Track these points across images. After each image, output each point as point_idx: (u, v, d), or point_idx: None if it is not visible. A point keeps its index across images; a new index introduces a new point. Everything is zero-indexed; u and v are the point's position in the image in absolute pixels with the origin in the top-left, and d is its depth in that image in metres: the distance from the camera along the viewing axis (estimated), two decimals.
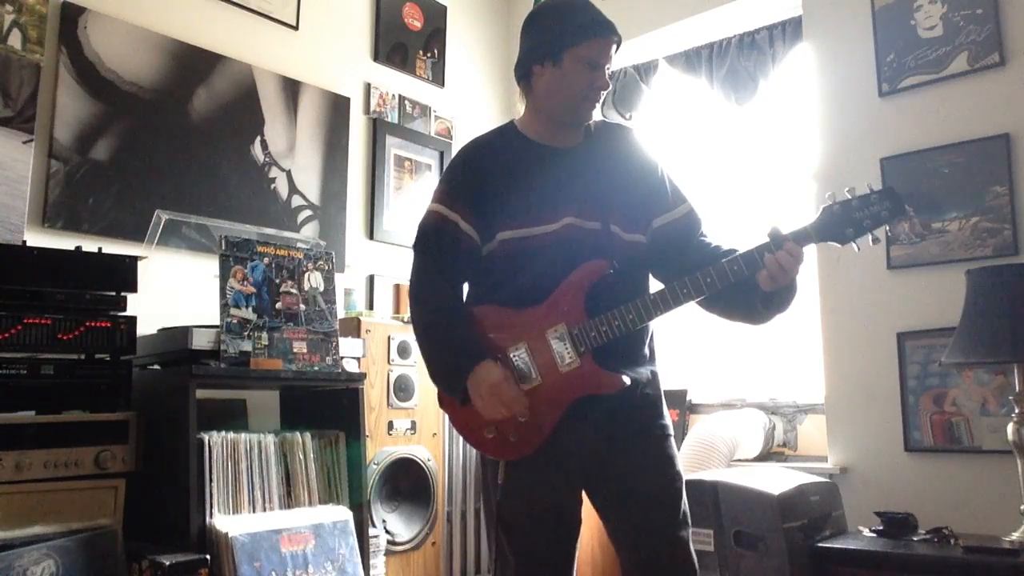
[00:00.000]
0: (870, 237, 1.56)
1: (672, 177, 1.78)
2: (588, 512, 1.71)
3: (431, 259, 1.71)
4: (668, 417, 1.71)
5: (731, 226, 3.45)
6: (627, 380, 1.58)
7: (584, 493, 1.70)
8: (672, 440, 1.69)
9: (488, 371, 1.57)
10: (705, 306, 1.70)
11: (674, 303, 1.58)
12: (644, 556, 1.61)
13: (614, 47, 1.68)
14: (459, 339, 1.64)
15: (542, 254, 1.64)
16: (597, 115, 1.82)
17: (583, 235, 1.64)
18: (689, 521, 1.65)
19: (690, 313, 1.79)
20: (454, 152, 3.89)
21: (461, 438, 3.17)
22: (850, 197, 1.56)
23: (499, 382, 1.55)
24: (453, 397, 1.64)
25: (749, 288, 1.57)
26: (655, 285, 1.71)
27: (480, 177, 1.71)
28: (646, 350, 1.72)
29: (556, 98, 1.69)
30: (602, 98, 1.72)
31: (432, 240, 1.71)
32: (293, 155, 3.35)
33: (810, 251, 1.68)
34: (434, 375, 1.70)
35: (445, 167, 1.83)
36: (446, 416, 3.12)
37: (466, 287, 1.79)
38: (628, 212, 1.69)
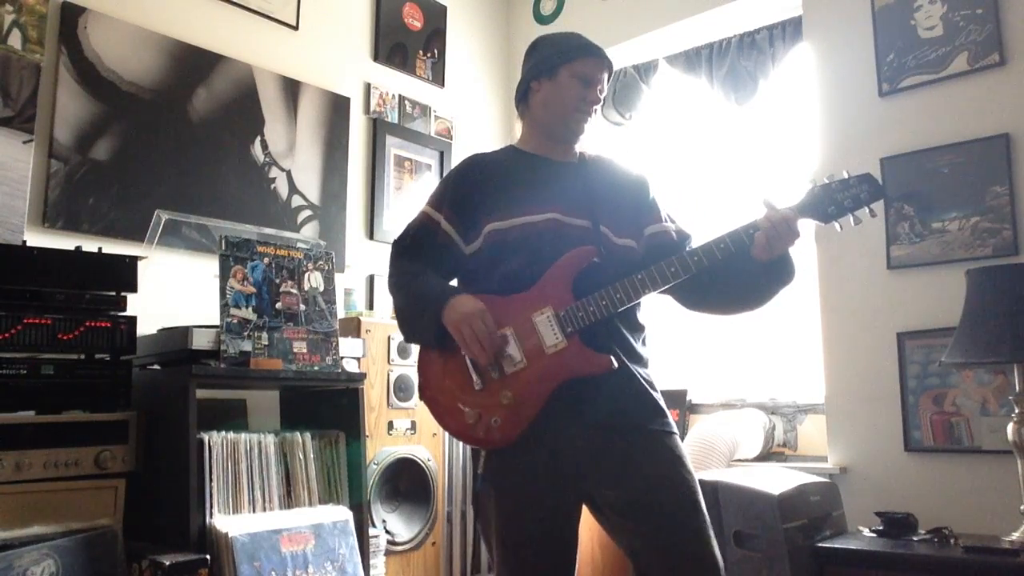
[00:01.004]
0: (851, 218, 1.61)
1: (662, 200, 1.83)
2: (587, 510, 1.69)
3: (407, 249, 1.80)
4: (670, 416, 1.69)
5: (731, 226, 3.44)
6: (615, 362, 1.58)
7: (584, 502, 1.66)
8: (677, 438, 1.67)
9: (463, 302, 1.61)
10: (703, 303, 1.73)
11: (662, 281, 1.60)
12: (670, 559, 1.54)
13: (606, 72, 1.79)
14: (434, 282, 1.70)
15: (528, 244, 1.66)
16: (591, 145, 1.86)
17: (570, 230, 1.67)
18: (708, 519, 1.59)
19: (690, 313, 1.80)
20: (454, 152, 3.94)
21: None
22: (829, 181, 1.62)
23: (472, 311, 1.58)
24: (431, 338, 1.66)
25: (747, 267, 1.62)
26: None
27: (473, 182, 1.77)
28: (641, 350, 1.71)
29: (551, 109, 1.78)
30: (595, 113, 1.79)
31: (410, 236, 1.80)
32: (293, 155, 3.35)
33: (809, 250, 1.68)
34: (409, 320, 1.72)
35: (447, 170, 1.87)
36: None
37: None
38: (618, 217, 1.72)
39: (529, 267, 1.65)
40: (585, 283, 1.61)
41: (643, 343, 1.74)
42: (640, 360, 1.70)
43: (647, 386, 1.67)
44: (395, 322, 3.13)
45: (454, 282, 1.81)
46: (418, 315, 1.68)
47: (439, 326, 1.62)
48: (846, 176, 1.61)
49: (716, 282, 1.66)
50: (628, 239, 1.71)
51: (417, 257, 1.77)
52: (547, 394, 1.59)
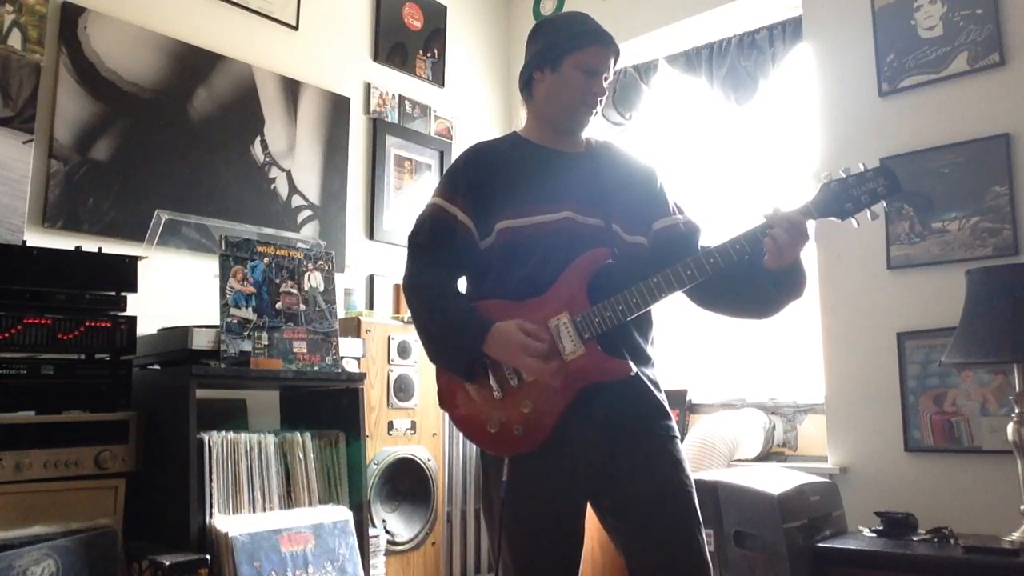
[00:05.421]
0: (868, 213, 1.58)
1: (670, 190, 1.80)
2: (589, 511, 1.69)
3: (427, 249, 1.72)
4: (673, 419, 1.69)
5: (731, 226, 3.44)
6: (633, 367, 1.57)
7: (589, 501, 1.67)
8: (678, 442, 1.67)
9: (507, 329, 1.56)
10: (715, 304, 1.71)
11: (677, 284, 1.57)
12: (660, 561, 1.56)
13: (612, 58, 1.72)
14: (468, 311, 1.63)
15: (541, 245, 1.63)
16: (596, 132, 1.83)
17: (583, 229, 1.65)
18: (702, 525, 1.61)
19: (690, 313, 1.79)
20: (454, 152, 3.93)
21: (461, 438, 3.20)
22: (844, 175, 1.58)
23: (519, 341, 1.54)
24: (462, 373, 1.62)
25: (758, 276, 1.59)
26: None
27: (481, 174, 1.72)
28: (649, 350, 1.71)
29: (555, 102, 1.73)
30: (600, 105, 1.74)
31: (428, 230, 1.72)
32: (293, 155, 3.35)
33: (811, 249, 1.66)
34: (445, 349, 1.65)
35: (448, 166, 1.83)
36: (446, 416, 3.13)
37: (463, 285, 1.78)
38: (629, 213, 1.70)
39: (543, 269, 1.62)
40: (599, 286, 1.59)
41: (651, 343, 1.73)
42: (647, 361, 1.69)
43: (652, 388, 1.66)
44: (394, 323, 3.15)
45: (463, 282, 1.78)
46: (463, 340, 1.61)
47: (473, 359, 1.59)
48: (862, 169, 1.56)
49: (728, 288, 1.64)
50: (638, 236, 1.69)
51: (436, 254, 1.70)
52: (567, 402, 1.57)
